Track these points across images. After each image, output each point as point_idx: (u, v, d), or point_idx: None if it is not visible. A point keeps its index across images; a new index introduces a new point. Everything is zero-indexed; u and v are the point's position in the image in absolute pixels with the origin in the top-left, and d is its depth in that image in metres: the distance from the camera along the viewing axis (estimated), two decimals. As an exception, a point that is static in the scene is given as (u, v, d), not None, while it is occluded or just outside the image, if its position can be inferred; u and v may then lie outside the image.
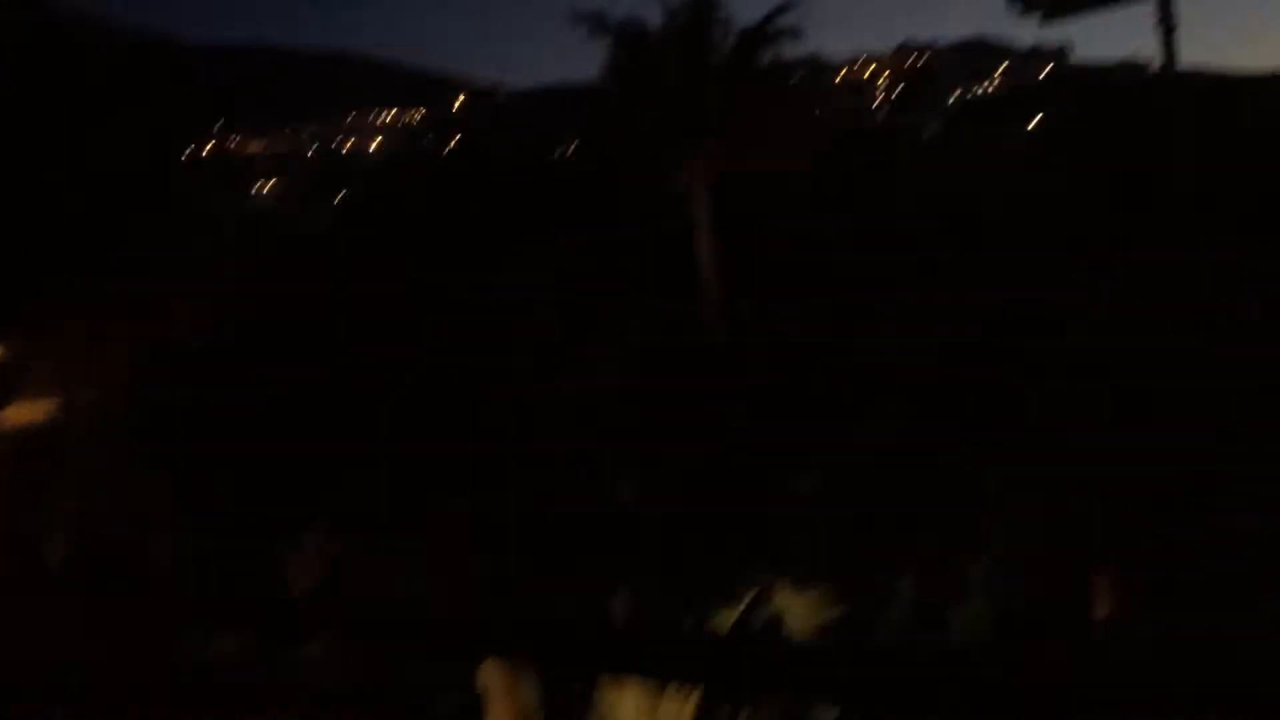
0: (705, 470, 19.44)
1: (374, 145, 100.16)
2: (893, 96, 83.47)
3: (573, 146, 50.02)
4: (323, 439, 23.30)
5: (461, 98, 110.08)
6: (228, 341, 26.55)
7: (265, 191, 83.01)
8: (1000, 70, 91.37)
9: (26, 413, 34.94)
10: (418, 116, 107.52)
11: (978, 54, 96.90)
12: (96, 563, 18.69)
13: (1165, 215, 20.50)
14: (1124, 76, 61.22)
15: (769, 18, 30.26)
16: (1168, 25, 18.94)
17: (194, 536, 16.86)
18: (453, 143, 68.70)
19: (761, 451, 19.59)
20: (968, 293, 23.77)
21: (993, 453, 16.45)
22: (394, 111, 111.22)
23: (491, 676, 4.42)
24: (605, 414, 22.70)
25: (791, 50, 31.04)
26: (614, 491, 19.51)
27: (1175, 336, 18.14)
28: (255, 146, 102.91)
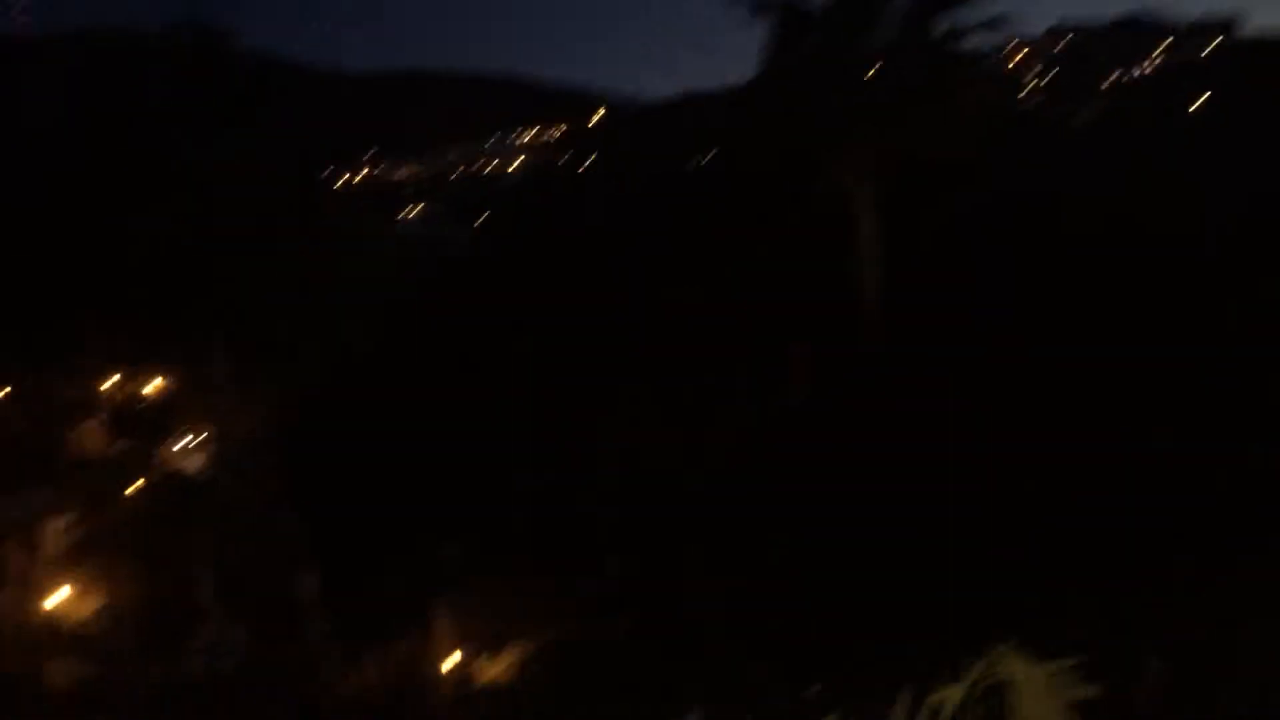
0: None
1: (515, 164, 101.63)
2: (1043, 82, 79.66)
3: (711, 154, 49.23)
4: (461, 474, 23.17)
5: (600, 112, 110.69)
6: (371, 373, 26.77)
7: (412, 215, 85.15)
8: (1160, 49, 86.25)
9: (181, 450, 36.39)
10: (557, 133, 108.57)
11: (1135, 32, 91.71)
12: (243, 598, 19.00)
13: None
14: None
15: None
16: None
17: (332, 575, 16.83)
18: (591, 157, 68.89)
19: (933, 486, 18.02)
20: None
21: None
22: (535, 130, 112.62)
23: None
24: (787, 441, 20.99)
25: (967, 20, 27.61)
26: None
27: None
28: (404, 171, 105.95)
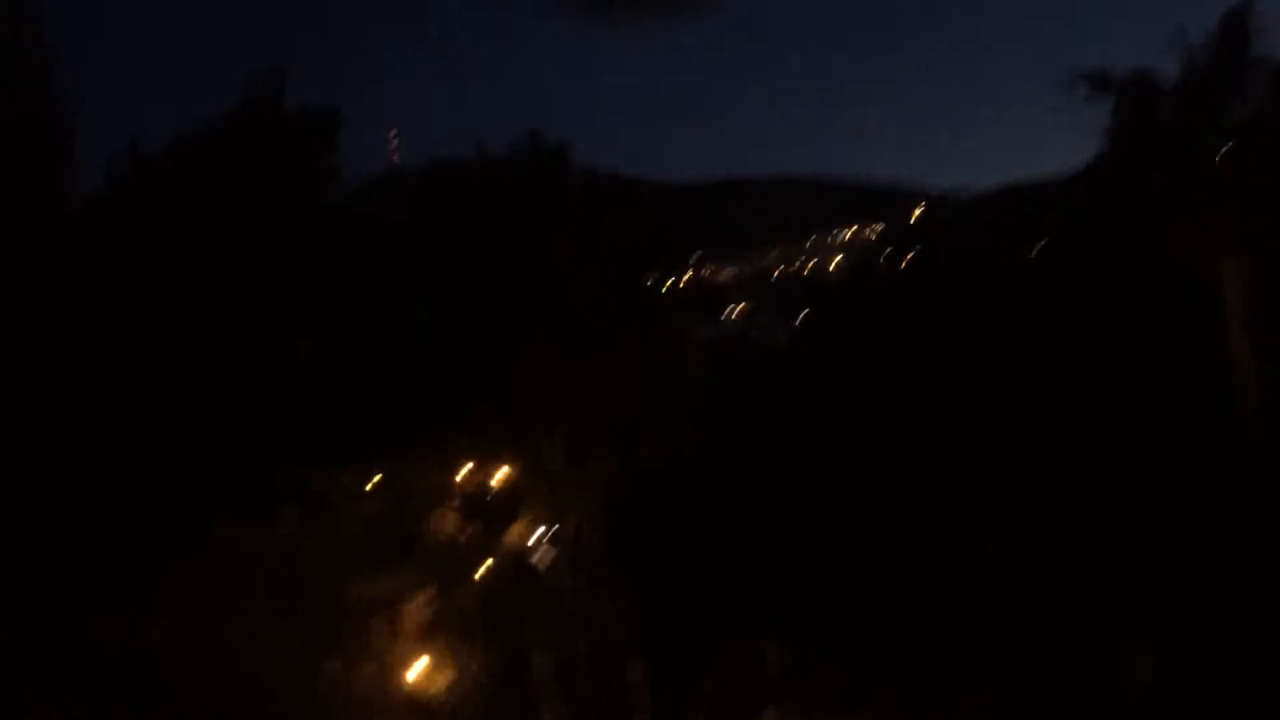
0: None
1: (833, 263, 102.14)
2: None
3: (1041, 244, 47.13)
4: (791, 573, 23.15)
5: (920, 207, 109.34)
6: (698, 464, 27.49)
7: (734, 315, 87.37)
8: None
9: (521, 534, 38.82)
10: (876, 231, 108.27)
11: None
12: (575, 682, 19.88)
13: None
14: None
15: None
16: None
17: (660, 664, 17.25)
18: (910, 254, 67.98)
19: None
20: None
21: None
22: (853, 229, 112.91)
23: None
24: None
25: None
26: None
27: None
28: (725, 274, 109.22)
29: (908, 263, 66.60)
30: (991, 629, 19.32)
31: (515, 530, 40.31)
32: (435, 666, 26.96)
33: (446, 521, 45.93)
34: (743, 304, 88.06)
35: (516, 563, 32.68)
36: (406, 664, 24.90)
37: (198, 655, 11.76)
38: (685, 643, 21.15)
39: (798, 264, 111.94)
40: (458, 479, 45.73)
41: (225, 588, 13.72)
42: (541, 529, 29.88)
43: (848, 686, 18.90)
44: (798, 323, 61.07)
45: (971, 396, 26.34)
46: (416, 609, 37.28)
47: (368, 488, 54.83)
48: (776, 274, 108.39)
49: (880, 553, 23.05)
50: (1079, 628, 18.72)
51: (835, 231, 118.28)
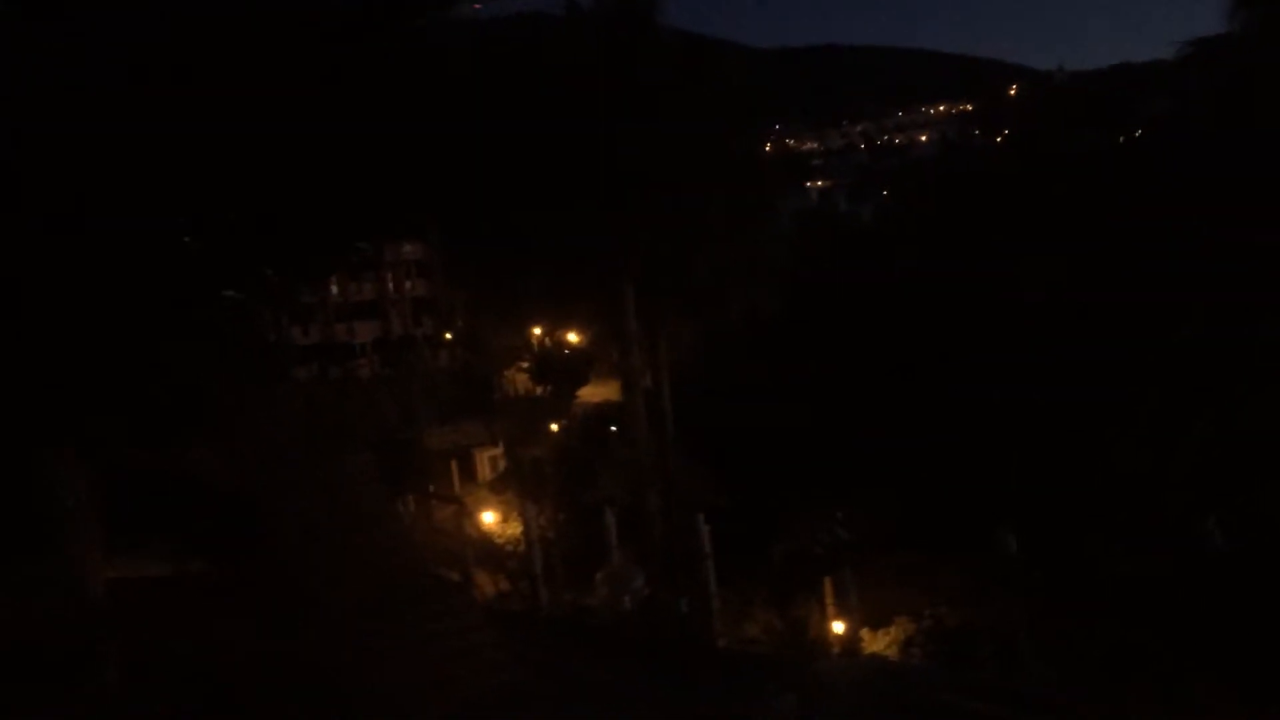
0: None
1: (923, 138, 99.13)
2: None
3: (1141, 129, 45.06)
4: (856, 449, 23.12)
5: (1016, 85, 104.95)
6: (776, 334, 27.28)
7: (819, 186, 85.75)
8: None
9: (596, 394, 39.36)
10: (968, 107, 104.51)
11: None
12: (643, 543, 20.29)
13: None
14: None
15: None
16: None
17: (728, 530, 17.48)
18: (1004, 133, 65.58)
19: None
20: None
21: None
22: (944, 104, 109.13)
23: None
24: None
25: None
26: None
27: None
28: (811, 143, 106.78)
29: (1002, 140, 64.36)
30: (1064, 527, 19.24)
31: (590, 389, 40.95)
32: (507, 516, 27.83)
33: (520, 379, 46.87)
34: (829, 176, 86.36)
35: (587, 421, 33.26)
36: (480, 510, 25.73)
37: (277, 493, 12.15)
38: (754, 512, 21.40)
39: (888, 137, 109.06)
40: (532, 338, 46.42)
41: (303, 431, 14.10)
42: (612, 388, 30.20)
43: (910, 568, 19.06)
44: (884, 198, 59.80)
45: (1063, 279, 25.60)
46: (490, 460, 38.40)
47: (447, 336, 55.82)
48: (865, 146, 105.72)
49: (957, 442, 22.88)
50: (1164, 516, 18.49)
51: (929, 105, 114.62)
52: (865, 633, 17.85)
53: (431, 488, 25.47)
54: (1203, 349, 22.17)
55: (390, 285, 60.22)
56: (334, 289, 51.48)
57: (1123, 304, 24.32)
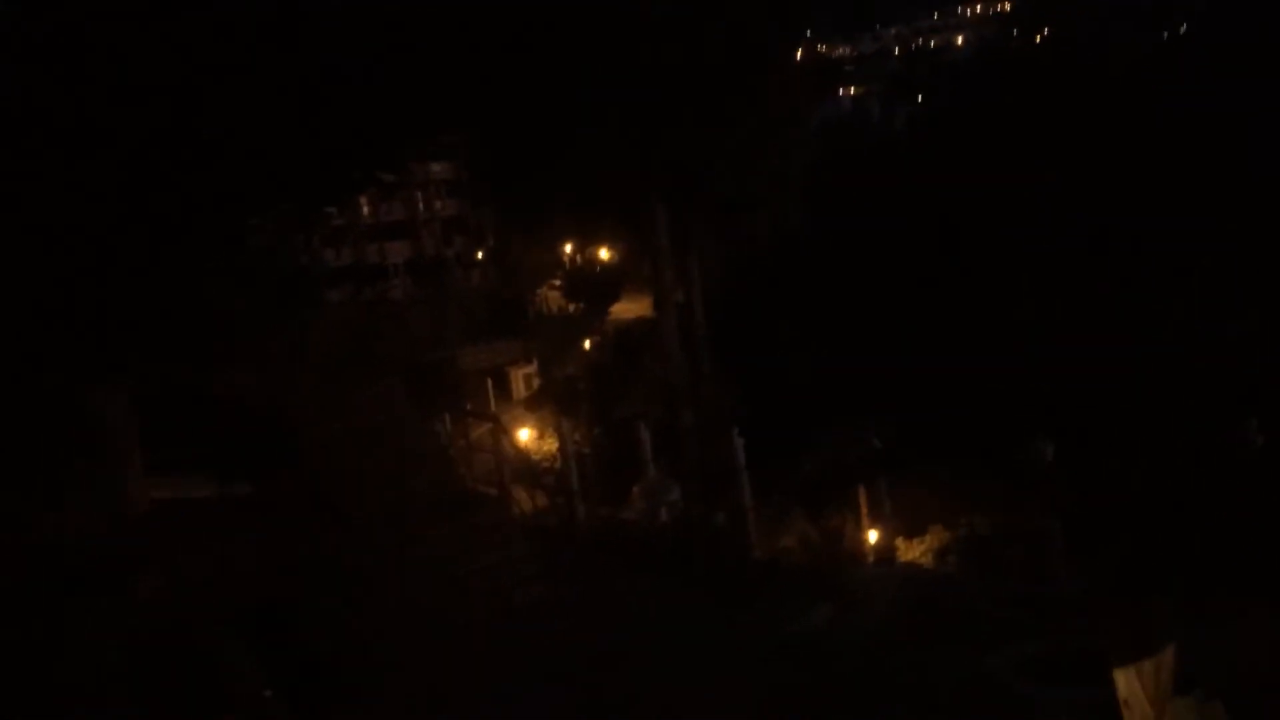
0: None
1: (959, 40, 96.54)
2: None
3: (1184, 26, 43.67)
4: (888, 358, 23.01)
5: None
6: (808, 248, 27.04)
7: (852, 94, 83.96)
8: None
9: (628, 310, 39.36)
10: (1006, 6, 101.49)
11: None
12: (679, 459, 20.43)
13: None
14: None
15: None
16: None
17: (761, 442, 17.54)
18: (1043, 33, 63.71)
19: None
20: None
21: None
22: (980, 4, 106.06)
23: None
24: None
25: None
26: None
27: None
28: (843, 49, 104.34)
29: (1041, 41, 62.58)
30: (1100, 433, 19.12)
31: (618, 308, 40.94)
32: (542, 433, 28.08)
33: (552, 297, 46.91)
34: (862, 83, 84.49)
35: (620, 338, 33.30)
36: (516, 427, 25.97)
37: (311, 413, 12.32)
38: (787, 424, 21.45)
39: (921, 41, 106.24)
40: (563, 256, 46.31)
41: (336, 352, 14.22)
42: (644, 304, 30.18)
43: (945, 477, 19.07)
44: (919, 104, 58.49)
45: (1105, 187, 25.10)
46: (524, 378, 38.66)
47: (479, 255, 55.82)
48: (899, 51, 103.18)
49: (990, 352, 22.70)
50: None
51: (965, 5, 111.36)
52: (900, 542, 17.97)
53: (468, 406, 25.68)
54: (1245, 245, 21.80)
55: (420, 205, 60.06)
56: (364, 209, 51.39)
57: (1159, 212, 23.88)
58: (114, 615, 8.80)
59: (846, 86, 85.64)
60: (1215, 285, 21.97)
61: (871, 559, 17.17)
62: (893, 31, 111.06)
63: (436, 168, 53.58)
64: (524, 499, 18.23)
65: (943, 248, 26.85)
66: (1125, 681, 5.72)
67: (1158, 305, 21.72)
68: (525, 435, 26.73)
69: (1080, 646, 8.03)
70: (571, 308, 43.97)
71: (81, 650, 8.44)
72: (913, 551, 17.73)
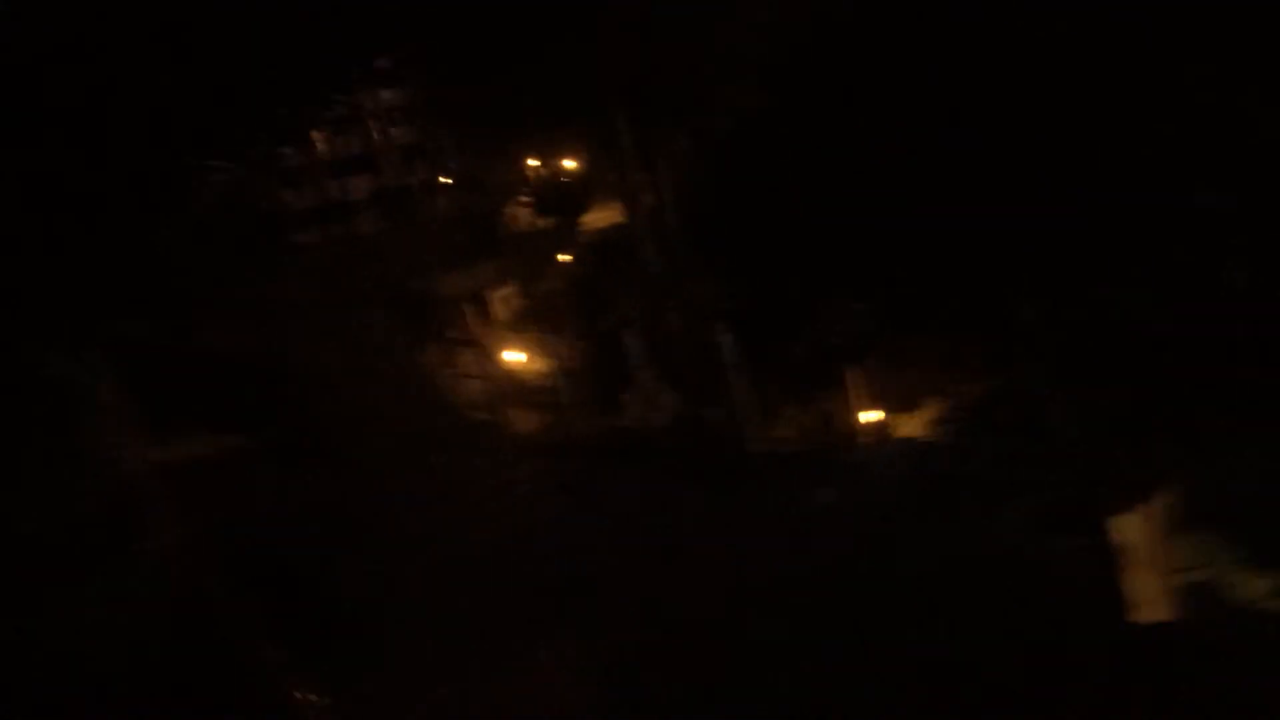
0: None
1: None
2: None
3: None
4: (874, 235, 22.78)
5: None
6: (768, 132, 26.58)
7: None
8: None
9: (600, 219, 38.87)
10: None
11: None
12: (669, 362, 20.42)
13: None
14: None
15: None
16: None
17: (749, 334, 17.55)
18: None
19: None
20: None
21: None
22: None
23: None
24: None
25: None
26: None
27: None
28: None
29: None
30: (1082, 283, 19.07)
31: (590, 218, 40.46)
32: (529, 352, 27.97)
33: (522, 214, 46.28)
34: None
35: (595, 249, 32.96)
36: (503, 349, 25.87)
37: (292, 352, 12.20)
38: (772, 313, 21.38)
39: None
40: (528, 171, 45.55)
41: (311, 293, 14.06)
42: (616, 211, 29.82)
43: (933, 349, 19.09)
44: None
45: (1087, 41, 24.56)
46: (505, 299, 38.38)
47: (442, 180, 54.97)
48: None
49: (972, 226, 22.48)
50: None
51: None
52: (895, 418, 18.11)
53: (450, 334, 25.54)
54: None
55: (376, 135, 58.88)
56: (319, 147, 50.36)
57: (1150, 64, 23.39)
58: (104, 603, 8.77)
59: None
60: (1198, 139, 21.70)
61: (869, 437, 17.32)
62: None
63: (387, 94, 52.36)
64: (520, 420, 18.28)
65: (906, 113, 26.42)
66: (1126, 526, 5.81)
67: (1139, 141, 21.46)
68: (512, 357, 26.64)
69: (1078, 497, 8.13)
70: (542, 223, 43.41)
71: (67, 644, 8.41)
72: (908, 426, 17.88)
